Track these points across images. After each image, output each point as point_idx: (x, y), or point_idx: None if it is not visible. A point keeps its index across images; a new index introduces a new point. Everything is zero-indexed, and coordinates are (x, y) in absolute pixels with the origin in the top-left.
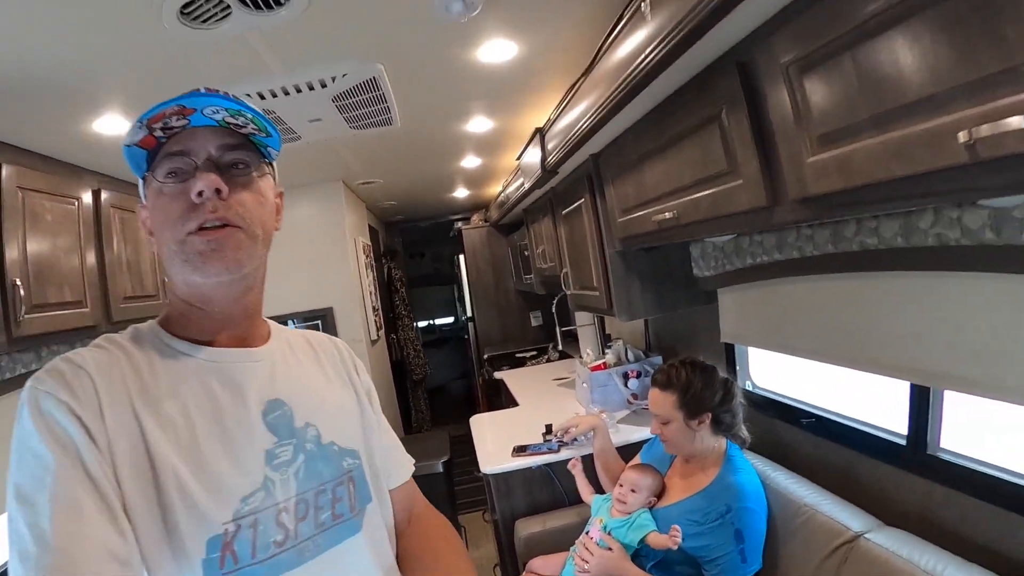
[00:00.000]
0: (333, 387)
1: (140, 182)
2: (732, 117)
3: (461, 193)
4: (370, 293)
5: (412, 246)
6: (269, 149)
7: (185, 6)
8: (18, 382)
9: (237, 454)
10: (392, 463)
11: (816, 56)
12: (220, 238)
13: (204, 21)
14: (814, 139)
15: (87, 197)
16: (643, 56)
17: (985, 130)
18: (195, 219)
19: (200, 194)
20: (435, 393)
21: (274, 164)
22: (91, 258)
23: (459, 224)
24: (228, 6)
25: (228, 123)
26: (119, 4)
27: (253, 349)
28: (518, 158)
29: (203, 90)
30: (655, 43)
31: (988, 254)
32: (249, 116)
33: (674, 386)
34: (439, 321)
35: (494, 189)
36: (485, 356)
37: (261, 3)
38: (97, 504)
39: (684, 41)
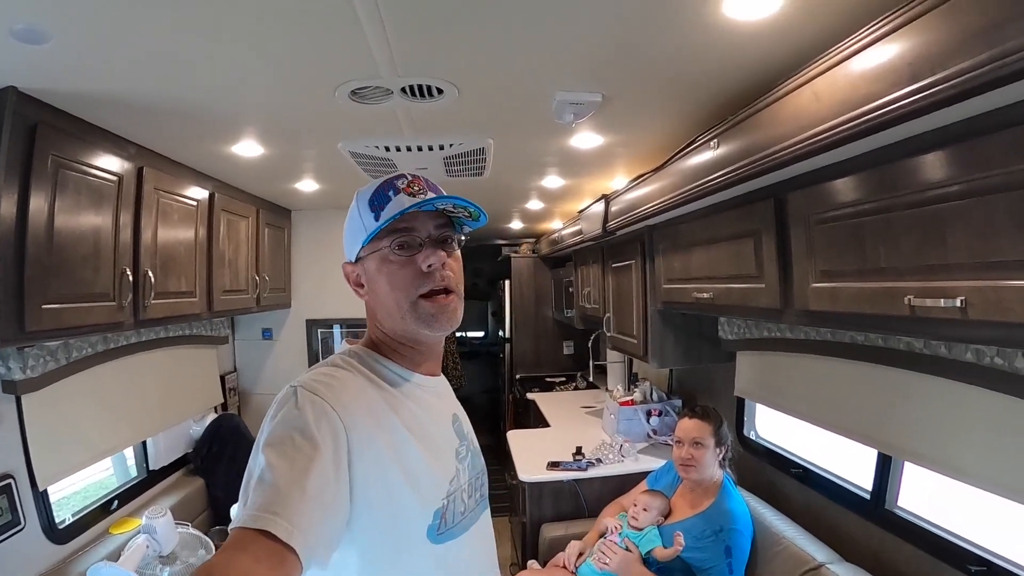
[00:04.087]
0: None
1: (359, 246)
2: (765, 237)
3: (516, 225)
4: None
5: None
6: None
7: (356, 90)
8: (145, 345)
9: (443, 453)
10: None
11: (826, 216)
12: (445, 303)
13: (367, 100)
14: (818, 271)
15: (204, 199)
16: (710, 177)
17: (919, 301)
18: (426, 285)
19: (430, 266)
20: (463, 403)
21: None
22: (202, 254)
23: (507, 251)
24: (391, 91)
25: (442, 209)
26: (301, 78)
27: (436, 377)
28: (581, 210)
29: (442, 194)
30: (720, 172)
31: (942, 363)
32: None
33: (711, 418)
34: (471, 333)
35: (547, 225)
36: (518, 376)
37: (421, 92)
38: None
39: (741, 179)
